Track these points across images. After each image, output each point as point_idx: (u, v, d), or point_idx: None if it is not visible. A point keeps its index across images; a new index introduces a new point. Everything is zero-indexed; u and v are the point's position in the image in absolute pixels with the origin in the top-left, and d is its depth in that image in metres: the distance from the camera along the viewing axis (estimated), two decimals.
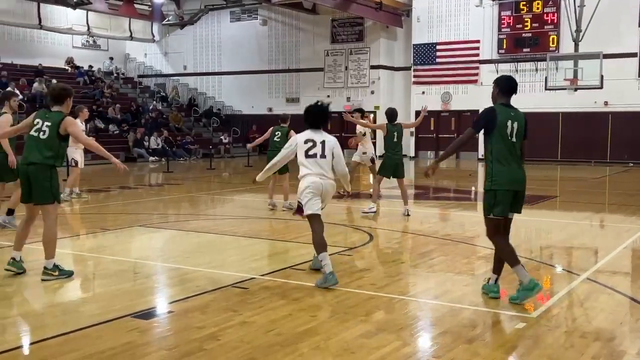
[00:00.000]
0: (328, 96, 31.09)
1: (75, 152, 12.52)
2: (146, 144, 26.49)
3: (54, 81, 28.32)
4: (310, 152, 6.22)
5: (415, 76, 29.31)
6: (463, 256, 7.58)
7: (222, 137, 30.15)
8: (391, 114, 11.12)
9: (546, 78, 23.73)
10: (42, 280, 6.22)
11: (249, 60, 32.71)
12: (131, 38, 34.26)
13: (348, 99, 30.81)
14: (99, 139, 25.42)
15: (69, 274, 6.36)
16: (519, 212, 5.58)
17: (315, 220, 6.22)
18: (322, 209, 6.29)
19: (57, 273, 6.28)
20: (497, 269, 5.63)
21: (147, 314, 5.16)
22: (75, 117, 12.79)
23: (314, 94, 31.20)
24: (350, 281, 6.22)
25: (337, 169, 6.44)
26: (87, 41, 33.91)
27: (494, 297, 5.56)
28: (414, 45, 29.14)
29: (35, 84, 27.31)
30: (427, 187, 17.15)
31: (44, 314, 5.33)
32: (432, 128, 29.56)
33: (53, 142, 6.18)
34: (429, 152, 29.79)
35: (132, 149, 26.00)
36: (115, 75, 34.05)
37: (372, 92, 30.29)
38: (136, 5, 31.52)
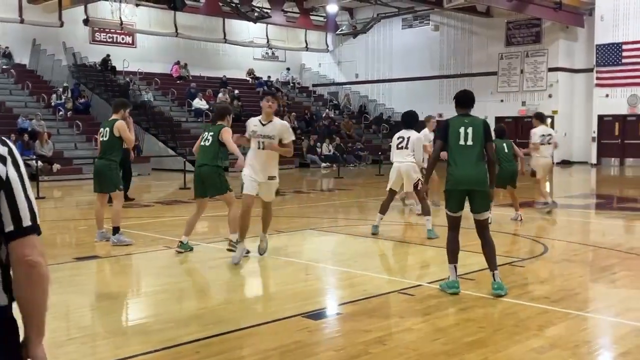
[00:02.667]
0: (502, 100, 30.18)
1: None
2: (319, 150, 27.35)
3: (237, 92, 30.25)
4: (399, 146, 9.15)
5: (598, 78, 27.48)
6: None
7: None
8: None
9: None
10: (227, 250, 7.59)
11: (420, 67, 32.60)
12: (307, 49, 35.59)
13: (523, 103, 29.64)
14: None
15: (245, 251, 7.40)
16: (477, 212, 5.90)
17: (390, 192, 9.30)
18: (406, 187, 9.23)
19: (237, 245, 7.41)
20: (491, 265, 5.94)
21: (317, 315, 5.32)
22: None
23: (487, 98, 30.42)
24: (522, 293, 5.97)
25: (416, 157, 9.16)
26: (266, 53, 35.76)
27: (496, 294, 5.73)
28: (597, 45, 27.34)
29: (220, 94, 29.28)
30: (610, 196, 15.99)
31: (222, 309, 5.69)
32: (617, 133, 27.54)
33: (215, 147, 7.58)
34: (612, 159, 27.78)
35: (306, 155, 26.96)
36: (291, 84, 35.58)
37: (550, 96, 28.86)
38: (312, 17, 32.72)
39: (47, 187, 17.66)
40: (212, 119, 7.99)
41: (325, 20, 33.27)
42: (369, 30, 33.09)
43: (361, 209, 13.71)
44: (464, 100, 6.14)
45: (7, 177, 1.88)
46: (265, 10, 28.87)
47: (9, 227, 1.88)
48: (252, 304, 5.91)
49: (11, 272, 1.91)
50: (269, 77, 34.29)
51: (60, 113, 23.73)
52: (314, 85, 36.99)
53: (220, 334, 4.84)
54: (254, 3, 28.61)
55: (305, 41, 35.10)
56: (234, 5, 27.24)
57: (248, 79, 34.06)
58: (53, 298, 6.03)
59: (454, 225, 6.03)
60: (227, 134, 7.62)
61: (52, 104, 24.17)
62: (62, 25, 25.95)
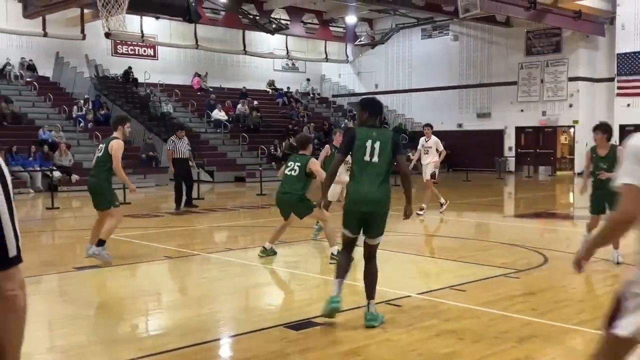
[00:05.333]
0: (522, 110, 29.96)
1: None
2: None
3: (256, 102, 30.48)
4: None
5: (619, 87, 27.12)
6: None
7: (409, 154, 30.23)
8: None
9: None
10: (330, 263, 7.68)
11: (440, 76, 32.52)
12: (326, 59, 35.69)
13: (544, 113, 29.38)
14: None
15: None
16: (370, 236, 5.33)
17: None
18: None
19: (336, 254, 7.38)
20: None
21: (299, 325, 5.34)
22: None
23: (507, 108, 30.31)
24: (509, 305, 5.93)
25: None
26: (286, 64, 35.98)
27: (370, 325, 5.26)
28: (618, 54, 27.01)
29: (239, 106, 29.53)
30: None
31: (207, 318, 5.74)
32: None
33: (302, 178, 7.91)
34: None
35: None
36: (311, 95, 35.72)
37: (570, 106, 28.56)
38: (331, 28, 32.87)
39: (65, 198, 17.99)
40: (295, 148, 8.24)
41: (344, 31, 33.38)
42: (388, 40, 33.12)
43: None
44: (372, 106, 5.43)
45: None
46: (283, 21, 29.08)
47: None
48: (237, 314, 5.95)
49: None
50: (289, 88, 34.49)
51: (81, 124, 24.14)
52: (333, 96, 37.09)
53: (197, 343, 4.89)
54: (273, 15, 28.84)
55: (325, 52, 35.21)
56: (251, 17, 27.47)
57: (268, 90, 34.29)
58: (42, 307, 6.16)
59: (347, 245, 5.50)
60: (315, 165, 7.96)
61: (73, 115, 24.60)
62: (84, 38, 26.38)
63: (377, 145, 5.20)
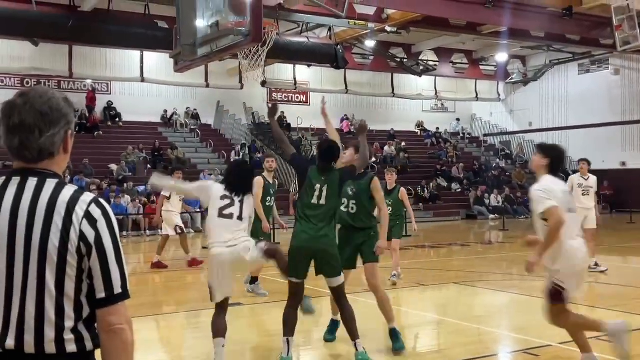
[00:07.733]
0: None
1: None
2: (487, 201, 26.69)
3: (403, 144, 30.60)
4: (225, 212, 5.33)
5: None
6: None
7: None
8: None
9: None
10: None
11: (600, 113, 30.77)
12: (477, 99, 35.14)
13: None
14: (441, 197, 26.58)
15: None
16: (328, 276, 5.30)
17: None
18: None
19: None
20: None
21: None
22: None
23: None
24: None
25: None
26: (435, 105, 35.89)
27: None
28: None
29: (386, 147, 29.84)
30: None
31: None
32: None
33: None
34: None
35: (473, 206, 26.45)
36: (461, 135, 35.26)
37: None
38: (481, 67, 32.44)
39: None
40: None
41: (495, 69, 32.78)
42: (542, 77, 32.04)
43: (518, 263, 13.18)
44: (325, 154, 5.48)
45: (98, 242, 1.87)
46: (431, 63, 29.17)
47: (101, 294, 1.88)
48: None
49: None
50: (438, 128, 34.31)
51: None
52: (484, 135, 36.31)
53: None
54: (421, 57, 29.05)
55: (476, 91, 34.68)
56: (399, 60, 27.85)
57: (417, 131, 34.33)
58: (192, 342, 6.51)
59: (293, 294, 5.39)
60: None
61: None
62: (242, 87, 28.13)
63: (324, 189, 5.34)
